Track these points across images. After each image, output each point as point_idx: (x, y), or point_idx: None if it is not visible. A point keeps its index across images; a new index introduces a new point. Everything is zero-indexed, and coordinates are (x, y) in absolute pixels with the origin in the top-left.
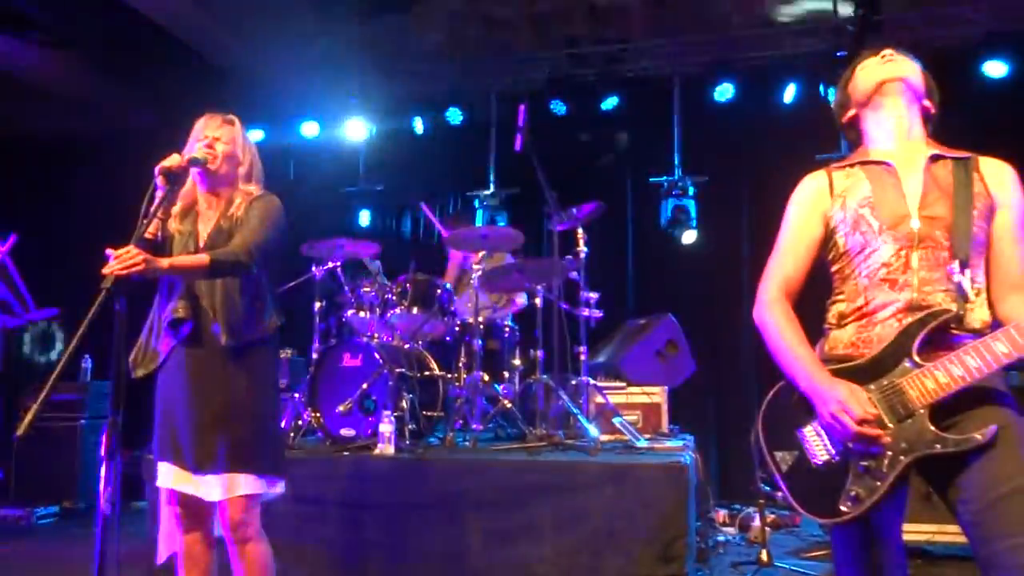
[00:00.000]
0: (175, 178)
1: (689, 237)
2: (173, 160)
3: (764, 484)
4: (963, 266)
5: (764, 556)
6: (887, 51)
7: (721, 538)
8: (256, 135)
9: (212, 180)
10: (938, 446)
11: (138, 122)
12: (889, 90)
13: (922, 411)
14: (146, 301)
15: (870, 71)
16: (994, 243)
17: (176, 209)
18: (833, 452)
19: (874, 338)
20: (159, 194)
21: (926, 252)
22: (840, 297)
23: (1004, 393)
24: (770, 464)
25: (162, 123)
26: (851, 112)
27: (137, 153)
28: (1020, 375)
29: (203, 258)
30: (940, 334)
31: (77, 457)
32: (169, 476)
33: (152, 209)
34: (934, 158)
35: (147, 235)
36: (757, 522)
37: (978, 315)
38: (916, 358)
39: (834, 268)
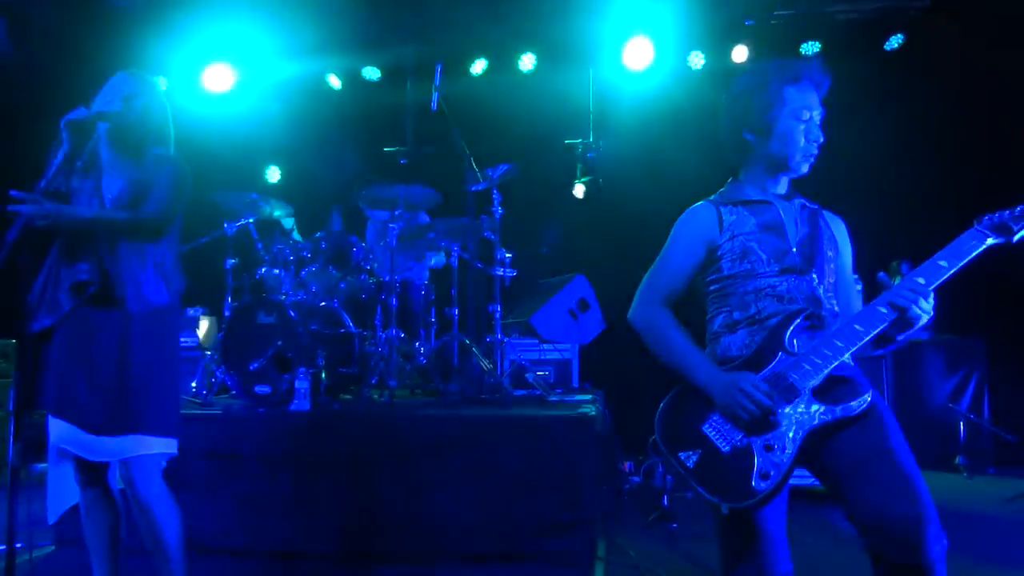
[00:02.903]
0: (82, 132)
1: (579, 191)
2: (80, 114)
3: (661, 493)
4: (819, 282)
5: (666, 502)
6: (804, 93)
7: (627, 486)
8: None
9: (121, 138)
10: (827, 417)
11: (26, 58)
12: (807, 164)
13: (806, 391)
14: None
15: (794, 133)
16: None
17: (78, 164)
18: (736, 439)
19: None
20: (64, 148)
21: (801, 278)
22: (725, 309)
23: (860, 371)
24: (676, 466)
25: (50, 63)
26: (747, 137)
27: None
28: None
29: (124, 215)
30: (807, 329)
31: None
32: (62, 435)
33: (57, 162)
34: (802, 206)
35: (51, 189)
36: (660, 471)
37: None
38: (790, 349)
39: (713, 288)
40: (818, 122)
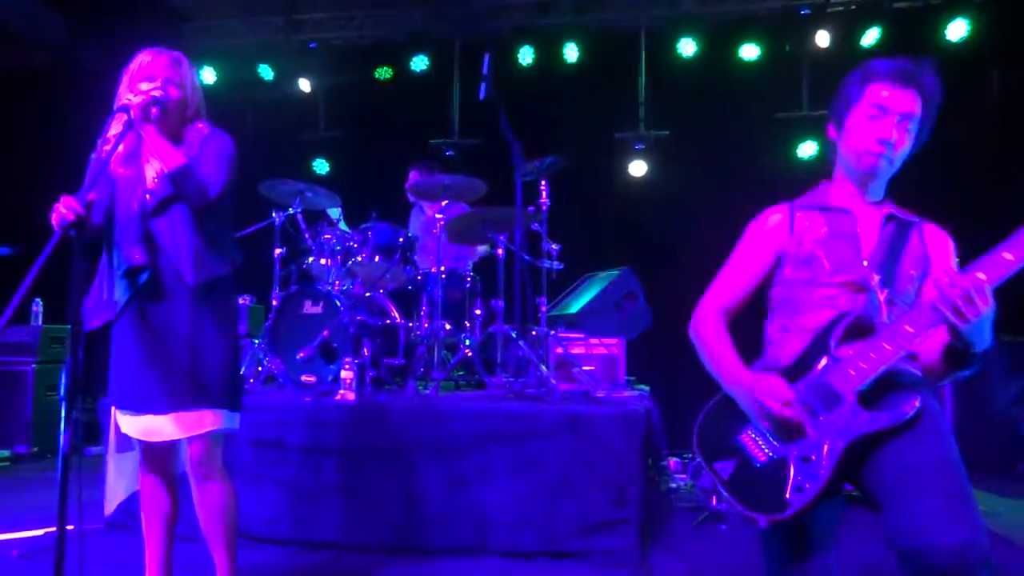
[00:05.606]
0: (138, 117)
1: (638, 169)
2: (131, 99)
3: (709, 493)
4: (892, 301)
5: (714, 503)
6: (885, 91)
7: (674, 485)
8: (208, 76)
9: (161, 121)
10: (872, 425)
11: (84, 57)
12: (869, 163)
13: (850, 397)
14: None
15: (862, 128)
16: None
17: (119, 151)
18: (773, 450)
19: None
20: (115, 133)
21: (866, 294)
22: (781, 315)
23: (918, 377)
24: (712, 475)
25: (108, 59)
26: (832, 133)
27: (82, 89)
28: None
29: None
30: (857, 334)
31: (29, 401)
32: (132, 424)
33: (109, 149)
34: (889, 217)
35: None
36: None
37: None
38: (835, 353)
39: (772, 291)
40: (896, 122)
